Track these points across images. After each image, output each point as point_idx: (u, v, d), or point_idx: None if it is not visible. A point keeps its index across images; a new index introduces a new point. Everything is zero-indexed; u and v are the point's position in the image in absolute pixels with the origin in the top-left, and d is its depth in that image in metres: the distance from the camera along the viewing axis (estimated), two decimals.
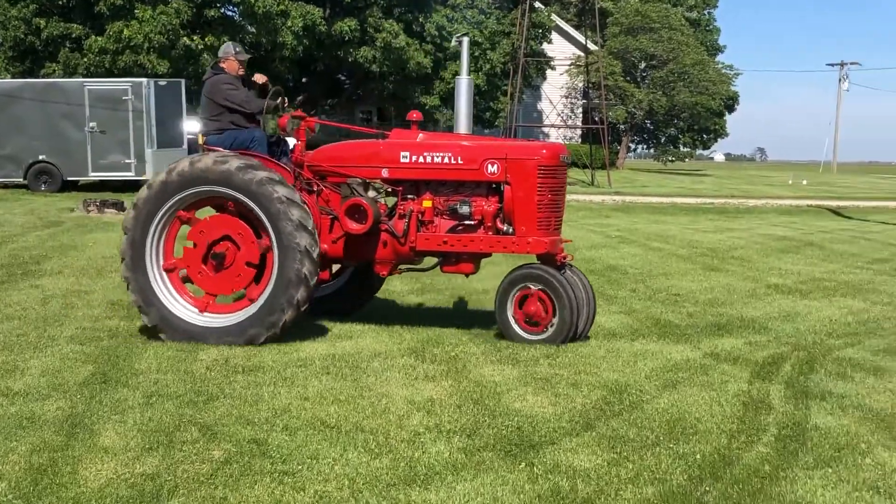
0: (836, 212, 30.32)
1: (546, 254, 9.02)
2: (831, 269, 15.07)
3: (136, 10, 32.82)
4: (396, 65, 41.08)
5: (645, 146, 77.25)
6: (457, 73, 10.20)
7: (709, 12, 73.47)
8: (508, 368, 7.87)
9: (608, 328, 9.71)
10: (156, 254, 8.83)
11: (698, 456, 5.76)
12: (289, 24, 36.61)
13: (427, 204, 9.14)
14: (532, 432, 6.18)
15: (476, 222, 9.16)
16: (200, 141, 9.53)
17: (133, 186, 24.97)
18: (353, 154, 9.43)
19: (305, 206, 8.66)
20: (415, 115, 9.81)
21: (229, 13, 39.09)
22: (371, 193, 9.26)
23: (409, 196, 9.28)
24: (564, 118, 57.77)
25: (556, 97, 55.34)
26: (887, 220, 27.30)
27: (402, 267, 9.57)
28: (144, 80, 27.40)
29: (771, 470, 5.55)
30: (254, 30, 36.93)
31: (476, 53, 45.09)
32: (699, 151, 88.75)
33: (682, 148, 73.05)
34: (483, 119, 50.80)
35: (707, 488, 5.24)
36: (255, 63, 29.62)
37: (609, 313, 10.53)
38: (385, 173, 9.23)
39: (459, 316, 10.36)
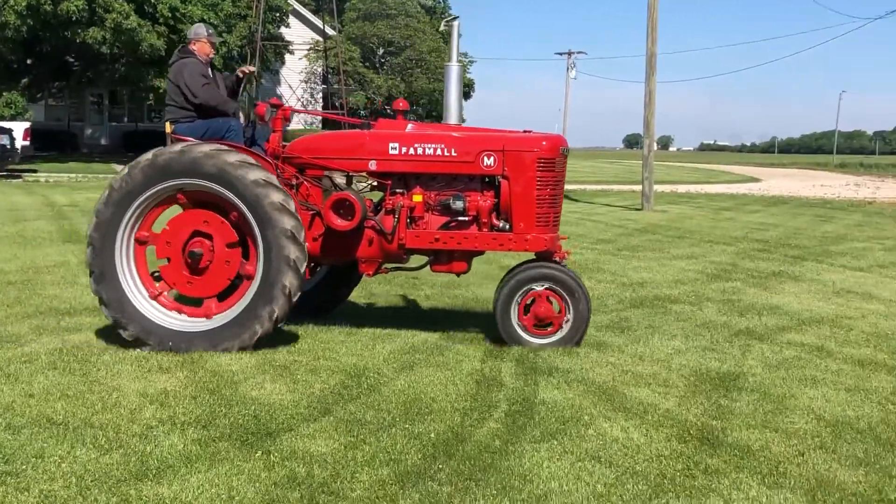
0: (565, 195, 31.65)
1: (545, 251, 8.61)
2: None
3: None
4: (128, 46, 39.65)
5: None
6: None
7: (444, 0, 74.99)
8: (246, 356, 7.77)
9: (349, 312, 9.76)
10: (131, 277, 8.16)
11: (433, 435, 5.90)
12: (11, 2, 34.65)
13: (417, 199, 8.57)
14: (269, 420, 6.14)
15: (470, 218, 8.63)
16: (168, 129, 8.86)
17: None
18: (336, 145, 8.76)
19: (298, 216, 8.03)
20: (401, 103, 9.18)
21: None
22: (354, 187, 8.75)
23: (398, 190, 8.66)
24: (305, 103, 57.54)
25: (295, 82, 55.06)
26: (611, 203, 28.83)
27: (389, 266, 9.02)
28: None
29: (501, 445, 5.75)
30: None
31: None
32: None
33: None
34: None
35: (440, 466, 5.37)
36: None
37: (351, 297, 10.58)
38: (373, 166, 8.56)
39: None
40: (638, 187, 29.35)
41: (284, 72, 55.59)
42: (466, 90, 70.83)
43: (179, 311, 8.25)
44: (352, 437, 5.84)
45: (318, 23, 56.60)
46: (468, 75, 69.56)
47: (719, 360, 7.98)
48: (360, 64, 59.01)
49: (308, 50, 56.17)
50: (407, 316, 9.75)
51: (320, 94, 59.04)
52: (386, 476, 5.22)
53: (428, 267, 8.94)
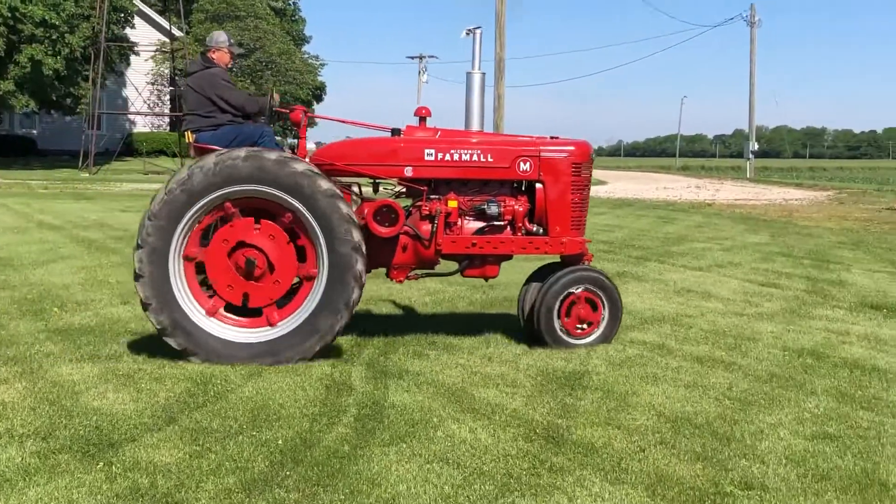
0: None
1: (579, 254, 8.85)
2: None
3: None
4: None
5: None
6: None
7: (294, 2, 74.51)
8: (88, 366, 7.56)
9: None
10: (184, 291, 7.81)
11: (280, 441, 5.84)
12: None
13: (453, 204, 8.59)
14: (112, 431, 5.98)
15: (505, 223, 8.77)
16: (190, 139, 8.50)
17: None
18: (369, 152, 8.63)
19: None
20: (424, 110, 9.06)
21: None
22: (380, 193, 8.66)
23: (433, 196, 8.65)
24: (151, 105, 56.33)
25: (141, 84, 53.79)
26: None
27: (418, 273, 8.92)
28: None
29: (350, 449, 5.74)
30: None
31: (54, 37, 42.80)
32: (290, 140, 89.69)
33: None
34: (63, 105, 48.37)
35: (288, 472, 5.33)
36: None
37: None
38: (408, 172, 8.54)
39: (34, 312, 9.80)
40: None
41: (130, 74, 54.23)
42: (318, 93, 70.44)
43: (237, 324, 8.02)
44: (197, 446, 5.73)
45: (165, 24, 55.47)
46: (320, 78, 69.17)
47: (565, 360, 8.13)
48: None
49: (154, 51, 54.99)
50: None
51: (168, 97, 57.83)
52: (232, 484, 5.15)
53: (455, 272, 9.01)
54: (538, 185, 8.76)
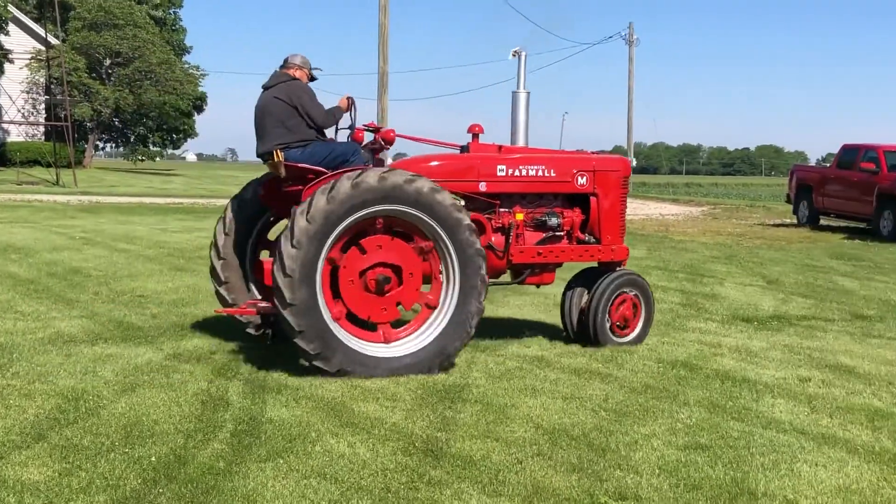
0: None
1: (623, 260, 9.70)
2: None
3: None
4: None
5: (114, 145, 75.60)
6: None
7: (174, 12, 73.19)
8: None
9: (68, 333, 9.34)
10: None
11: (153, 458, 5.71)
12: None
13: (520, 217, 9.16)
14: None
15: (564, 233, 9.44)
16: (279, 157, 8.39)
17: None
18: (447, 168, 8.97)
19: None
20: (477, 127, 9.45)
21: None
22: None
23: (503, 209, 9.19)
24: (26, 114, 54.79)
25: (15, 92, 52.26)
26: None
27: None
28: None
29: (225, 466, 5.65)
30: None
31: None
32: (170, 151, 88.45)
33: (151, 147, 72.52)
34: None
35: (161, 490, 5.22)
36: None
37: (70, 318, 10.15)
38: (482, 187, 9.04)
39: None
40: None
41: (4, 82, 52.61)
42: (199, 104, 69.41)
43: (358, 336, 8.16)
44: (67, 464, 5.58)
45: (41, 31, 54.01)
46: (201, 88, 68.13)
47: (446, 373, 8.15)
48: (86, 75, 56.58)
49: (29, 59, 53.49)
50: (131, 336, 9.39)
51: (43, 106, 56.26)
52: (103, 502, 5.02)
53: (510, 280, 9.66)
54: (592, 198, 9.52)
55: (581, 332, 9.54)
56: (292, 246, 7.65)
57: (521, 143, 9.72)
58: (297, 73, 8.89)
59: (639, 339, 9.57)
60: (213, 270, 9.35)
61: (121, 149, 74.19)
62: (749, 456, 6.13)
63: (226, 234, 9.25)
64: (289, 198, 8.65)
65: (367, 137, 9.31)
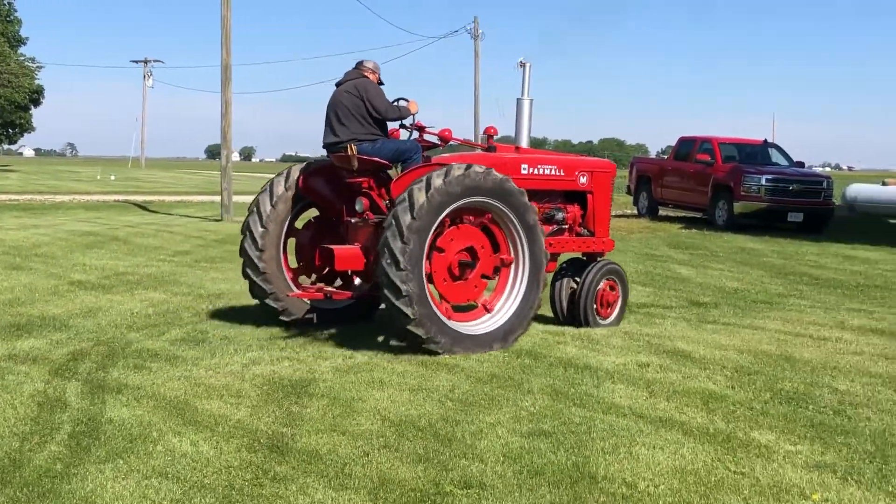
0: (142, 206, 30.90)
1: (609, 250, 10.85)
2: (135, 262, 15.32)
3: None
4: None
5: None
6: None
7: (8, 2, 70.38)
8: None
9: None
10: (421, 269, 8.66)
11: None
12: None
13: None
14: None
15: (567, 227, 10.49)
16: (353, 151, 9.18)
17: None
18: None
19: None
20: (492, 129, 10.23)
21: None
22: None
23: None
24: None
25: None
26: (190, 214, 28.47)
27: None
28: None
29: (63, 468, 5.49)
30: None
31: None
32: (6, 146, 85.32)
33: None
34: None
35: None
36: None
37: None
38: None
39: None
40: (218, 198, 29.20)
41: None
42: (36, 97, 67.01)
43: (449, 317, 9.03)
44: None
45: None
46: (37, 81, 65.75)
47: (293, 368, 8.10)
48: None
49: None
50: None
51: None
52: None
53: None
54: (589, 195, 10.62)
55: (571, 316, 10.41)
56: (402, 241, 8.43)
57: (524, 144, 10.60)
58: (369, 75, 9.74)
59: (617, 321, 10.52)
60: (250, 263, 9.80)
61: None
62: (590, 441, 6.28)
63: (263, 228, 9.77)
64: (344, 189, 9.70)
65: (404, 135, 10.06)
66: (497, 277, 9.39)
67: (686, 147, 28.40)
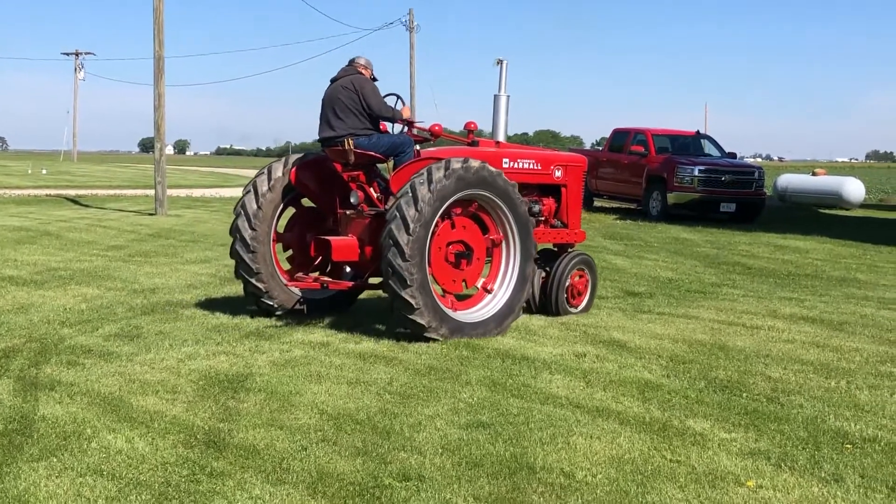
0: (74, 200, 30.42)
1: (580, 241, 11.23)
2: (68, 257, 15.09)
3: None
4: None
5: None
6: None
7: None
8: None
9: None
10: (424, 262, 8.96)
11: None
12: None
13: None
14: None
15: (543, 219, 10.85)
16: (350, 145, 9.45)
17: None
18: None
19: None
20: (472, 125, 10.44)
21: None
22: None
23: None
24: None
25: None
26: (124, 208, 28.10)
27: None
28: None
29: None
30: None
31: None
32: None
33: None
34: None
35: None
36: None
37: None
38: None
39: None
40: (152, 192, 28.86)
41: None
42: None
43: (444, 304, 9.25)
44: None
45: None
46: None
47: (229, 363, 8.04)
48: None
49: None
50: None
51: None
52: None
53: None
54: (563, 188, 11.01)
55: (542, 304, 10.69)
56: (408, 233, 8.69)
57: (501, 139, 10.90)
58: (363, 71, 9.92)
59: (588, 308, 10.92)
60: (242, 265, 9.92)
61: None
62: (528, 431, 6.31)
63: (252, 229, 9.85)
64: (336, 182, 9.94)
65: (393, 129, 10.23)
66: (491, 260, 9.78)
67: (620, 139, 28.67)
